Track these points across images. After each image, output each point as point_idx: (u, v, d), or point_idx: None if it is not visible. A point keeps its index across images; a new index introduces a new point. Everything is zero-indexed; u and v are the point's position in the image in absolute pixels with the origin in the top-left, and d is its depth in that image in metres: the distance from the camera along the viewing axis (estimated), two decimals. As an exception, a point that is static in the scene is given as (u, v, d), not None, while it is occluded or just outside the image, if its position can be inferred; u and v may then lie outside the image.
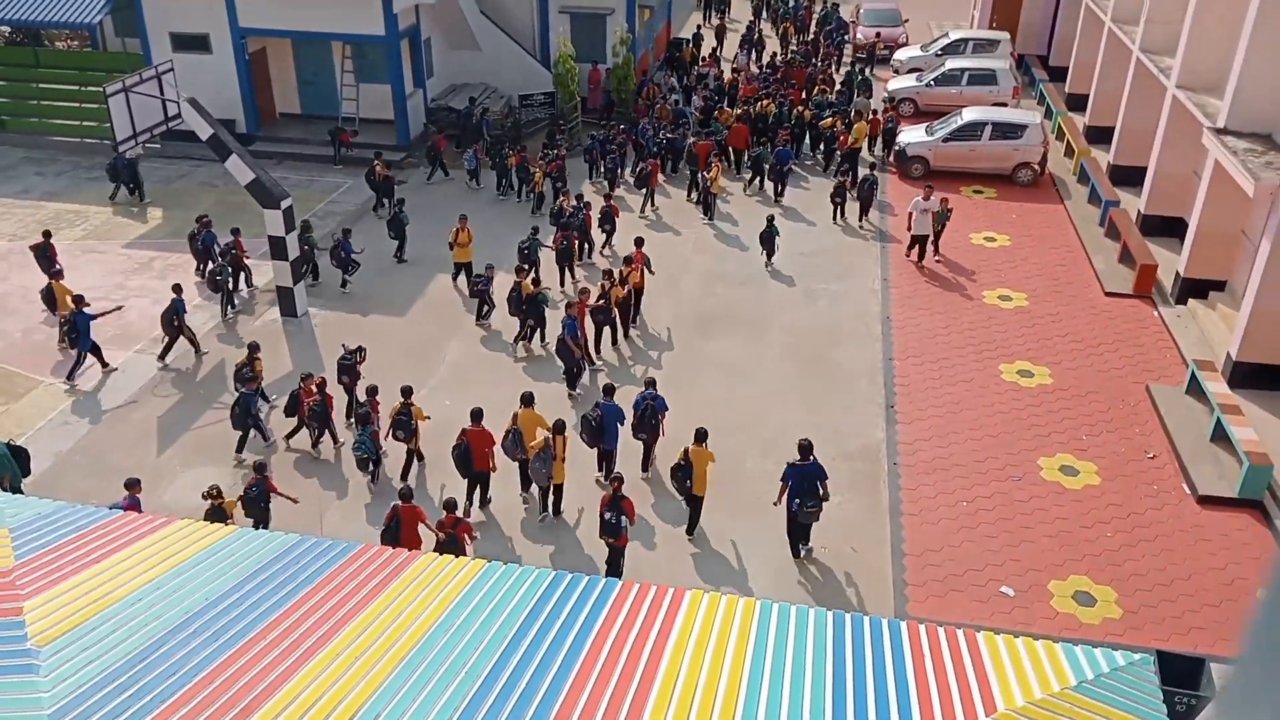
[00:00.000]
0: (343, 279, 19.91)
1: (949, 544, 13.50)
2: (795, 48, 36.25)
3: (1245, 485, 14.11)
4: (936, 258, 21.27)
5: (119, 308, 18.25)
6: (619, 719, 5.83)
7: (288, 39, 27.57)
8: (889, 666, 6.42)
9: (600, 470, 14.70)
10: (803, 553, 13.33)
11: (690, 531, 13.74)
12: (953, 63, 30.42)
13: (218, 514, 12.13)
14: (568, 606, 6.85)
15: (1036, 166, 25.30)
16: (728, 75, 31.78)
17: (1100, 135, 26.93)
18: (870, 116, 27.23)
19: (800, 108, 27.44)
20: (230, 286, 19.13)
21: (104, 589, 6.77)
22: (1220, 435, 15.10)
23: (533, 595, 6.94)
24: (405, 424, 14.25)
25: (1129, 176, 24.22)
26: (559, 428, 13.46)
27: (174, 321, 17.29)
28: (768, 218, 20.89)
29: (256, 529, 10.39)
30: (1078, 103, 29.57)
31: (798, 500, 12.76)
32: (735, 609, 6.91)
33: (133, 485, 12.57)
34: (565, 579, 7.17)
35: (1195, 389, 16.28)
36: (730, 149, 25.87)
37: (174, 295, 17.42)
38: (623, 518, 12.28)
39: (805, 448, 12.92)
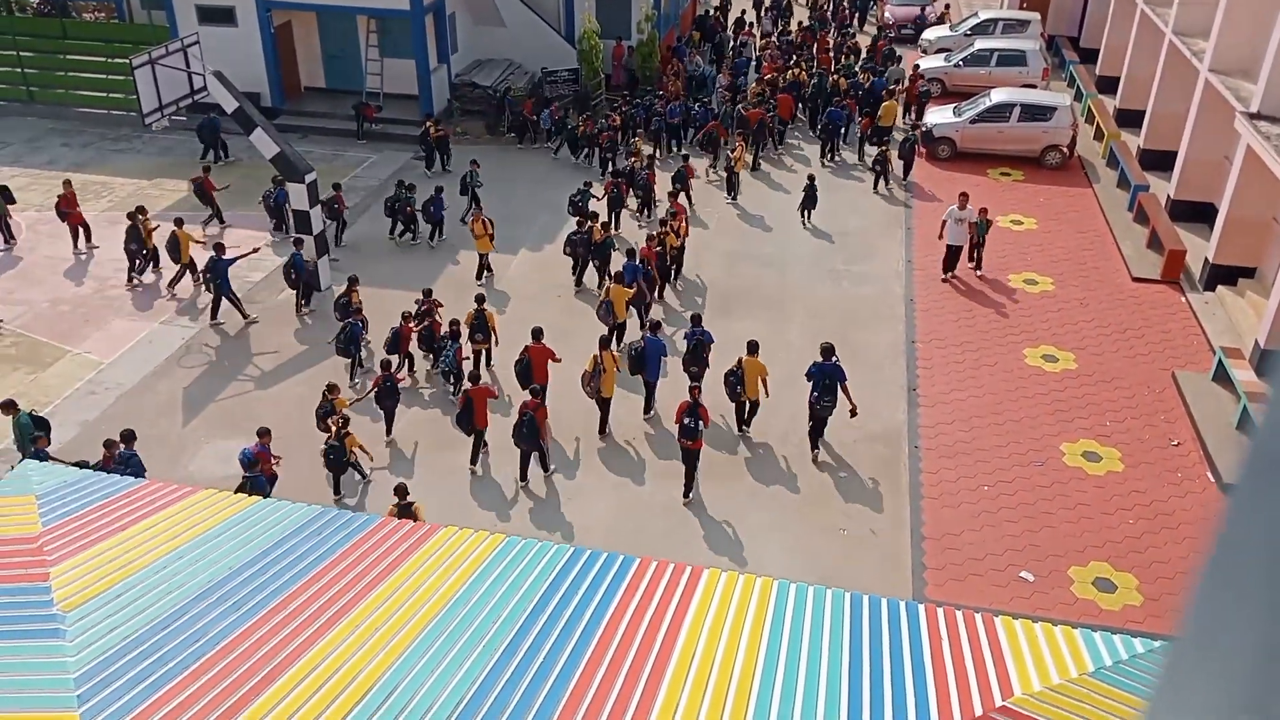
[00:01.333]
0: (433, 233, 20.66)
1: (969, 528, 13.46)
2: (813, 16, 36.22)
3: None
4: (979, 272, 19.66)
5: (255, 250, 18.83)
6: (635, 694, 5.86)
7: (313, 12, 27.57)
8: (906, 649, 6.42)
9: (645, 405, 15.70)
10: (818, 454, 14.85)
11: (741, 427, 15.32)
12: (982, 43, 30.05)
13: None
14: (586, 581, 6.88)
15: (1065, 149, 24.99)
16: (758, 44, 31.96)
17: (1131, 119, 26.56)
18: (903, 88, 27.64)
19: (834, 76, 27.78)
20: (331, 236, 20.15)
21: (129, 556, 6.86)
22: (1247, 423, 14.95)
23: (551, 570, 6.97)
24: (482, 325, 15.93)
25: (1159, 161, 23.89)
26: (605, 343, 15.09)
27: (212, 282, 17.77)
28: (809, 176, 22.08)
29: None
30: (1108, 85, 29.15)
31: (816, 394, 14.41)
32: (753, 588, 6.92)
33: (264, 434, 13.39)
34: (584, 554, 7.20)
35: (1222, 376, 16.12)
36: (776, 120, 25.88)
37: (214, 254, 17.71)
38: (699, 422, 13.51)
39: (827, 350, 14.54)
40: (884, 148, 23.96)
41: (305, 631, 6.20)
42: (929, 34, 33.77)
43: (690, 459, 13.85)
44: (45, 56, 28.80)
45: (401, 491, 12.30)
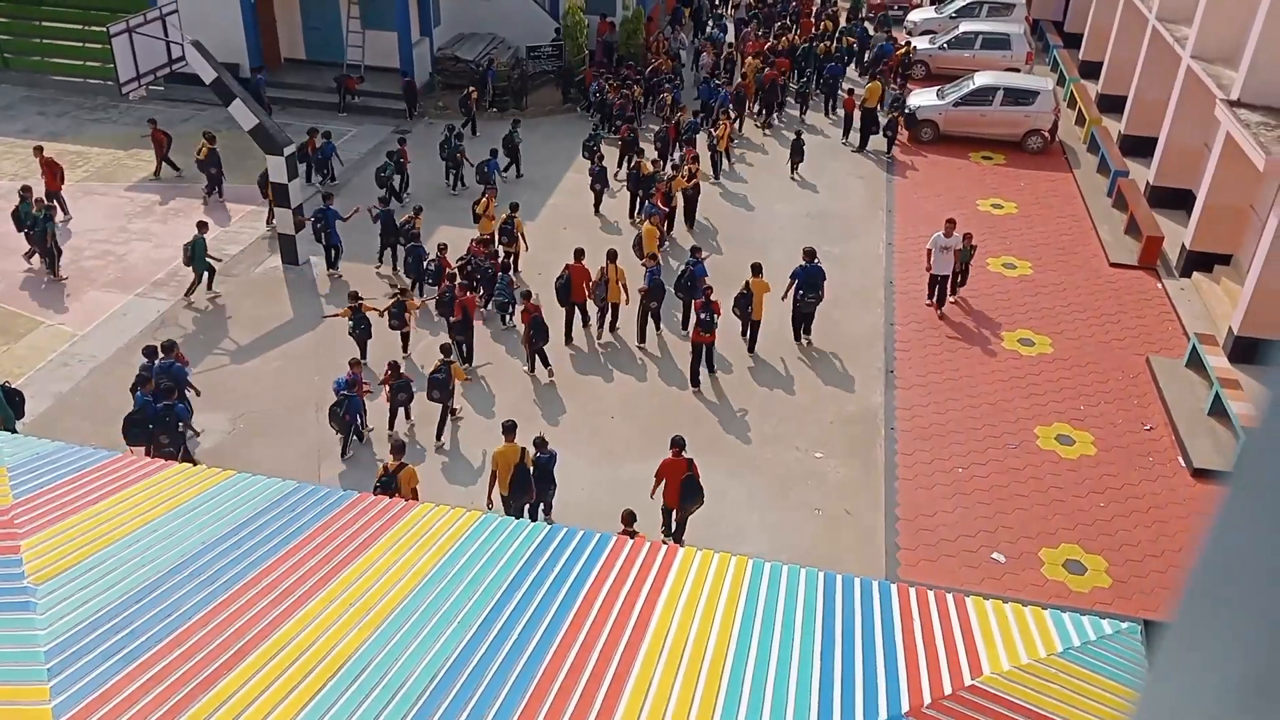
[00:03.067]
0: (485, 190, 20.37)
1: (942, 509, 13.58)
2: None
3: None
4: (952, 299, 18.35)
5: (357, 210, 18.92)
6: (609, 672, 5.90)
7: (294, -18, 27.22)
8: (878, 628, 6.48)
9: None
10: (804, 341, 17.13)
11: (751, 350, 16.79)
12: (966, 26, 30.07)
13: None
14: (562, 559, 6.90)
15: (1047, 134, 25.08)
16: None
17: (1112, 104, 26.65)
18: (888, 58, 28.75)
19: (820, 44, 29.02)
20: (396, 187, 20.81)
21: (101, 530, 6.82)
22: (1218, 409, 15.13)
23: (527, 548, 6.99)
24: (509, 230, 18.08)
25: (1139, 147, 24.00)
26: (611, 256, 16.70)
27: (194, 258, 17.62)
28: (796, 131, 23.60)
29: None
30: (1091, 70, 29.22)
31: (801, 293, 16.60)
32: (727, 566, 6.96)
33: (355, 364, 14.37)
34: (560, 532, 7.22)
35: (1195, 362, 16.28)
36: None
37: (197, 233, 17.56)
38: (714, 315, 15.49)
39: (809, 252, 16.82)
40: (896, 114, 25.00)
41: (279, 607, 6.20)
42: (914, 16, 33.78)
43: (704, 352, 15.89)
44: (21, 23, 28.34)
45: (398, 451, 12.30)
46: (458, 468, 14.33)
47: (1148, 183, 22.37)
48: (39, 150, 20.60)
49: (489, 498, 12.86)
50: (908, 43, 29.97)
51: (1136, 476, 14.29)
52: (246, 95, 18.59)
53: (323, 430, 14.83)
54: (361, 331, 15.60)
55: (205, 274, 17.78)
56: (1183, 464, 14.57)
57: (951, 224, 17.70)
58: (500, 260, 17.64)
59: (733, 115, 24.74)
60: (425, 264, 17.26)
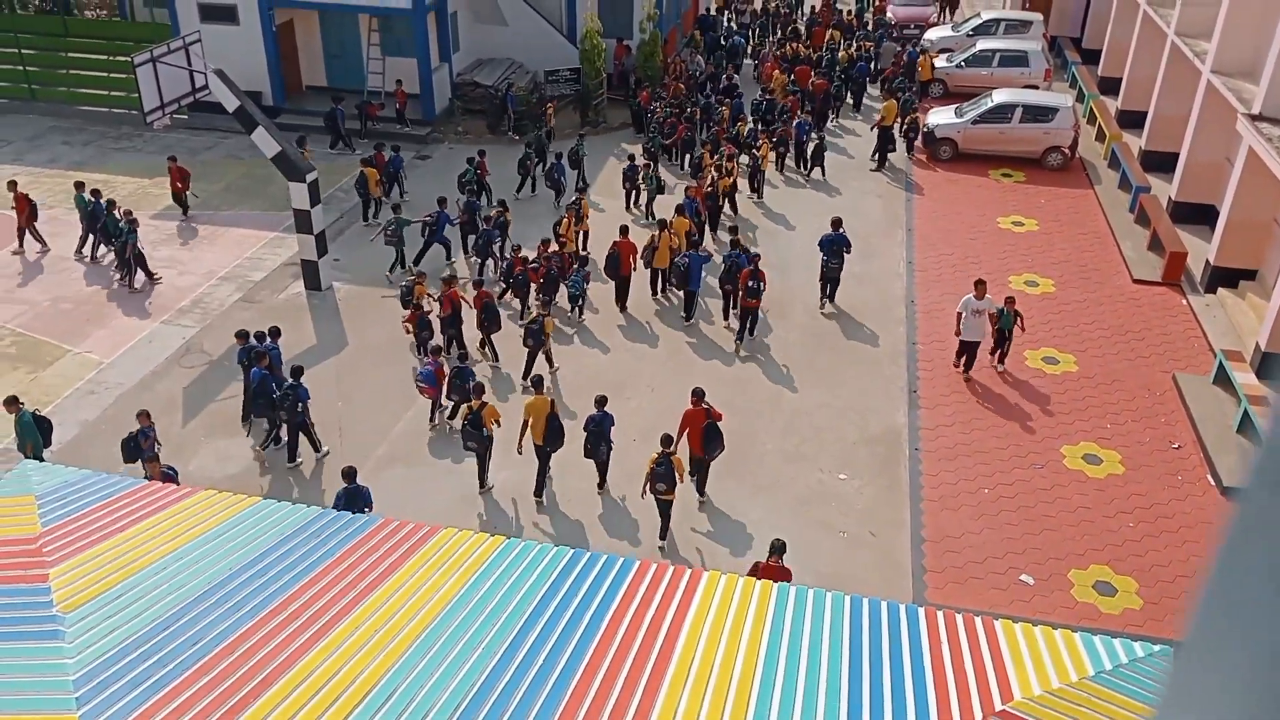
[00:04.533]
0: (556, 197, 22.45)
1: (969, 531, 13.45)
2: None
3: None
4: (1000, 368, 16.84)
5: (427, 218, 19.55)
6: (634, 698, 5.86)
7: (314, 11, 27.57)
8: (906, 652, 6.41)
9: (685, 313, 18.34)
10: (827, 306, 18.64)
11: (744, 337, 17.45)
12: (984, 43, 30.03)
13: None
14: (585, 584, 6.88)
15: (1067, 150, 24.98)
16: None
17: (1133, 120, 26.54)
18: (892, 59, 30.14)
19: (847, 50, 30.72)
20: (478, 199, 21.09)
21: (128, 557, 6.86)
22: (1247, 426, 14.94)
23: (551, 572, 6.97)
24: (577, 207, 19.62)
25: (1161, 162, 23.88)
26: (662, 225, 18.47)
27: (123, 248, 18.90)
28: (819, 137, 24.76)
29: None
30: (1110, 86, 29.13)
31: (825, 259, 18.09)
32: (752, 590, 6.91)
33: (436, 351, 15.19)
34: (584, 557, 7.20)
35: (1223, 379, 16.11)
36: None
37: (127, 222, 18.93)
38: (761, 283, 16.71)
39: (836, 222, 18.30)
40: (913, 114, 25.76)
41: (304, 634, 6.20)
42: (931, 34, 33.76)
43: (750, 316, 17.22)
44: (47, 54, 28.81)
45: (478, 392, 13.64)
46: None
47: (1170, 198, 22.22)
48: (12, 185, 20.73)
49: (519, 444, 13.82)
50: (924, 51, 30.76)
51: (1166, 495, 14.12)
52: (269, 122, 18.79)
53: (345, 454, 14.88)
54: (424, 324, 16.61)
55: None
56: (1212, 482, 14.39)
57: (982, 285, 16.30)
58: (570, 255, 18.49)
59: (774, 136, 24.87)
60: (496, 250, 19.18)
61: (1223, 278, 19.14)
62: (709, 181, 21.22)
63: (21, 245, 20.65)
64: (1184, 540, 13.30)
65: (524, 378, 15.88)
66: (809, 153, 24.52)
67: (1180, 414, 15.87)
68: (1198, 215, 21.52)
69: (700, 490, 13.96)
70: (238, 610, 6.37)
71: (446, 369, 15.06)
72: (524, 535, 13.48)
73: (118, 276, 19.56)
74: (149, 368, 16.96)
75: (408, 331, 16.66)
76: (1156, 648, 6.78)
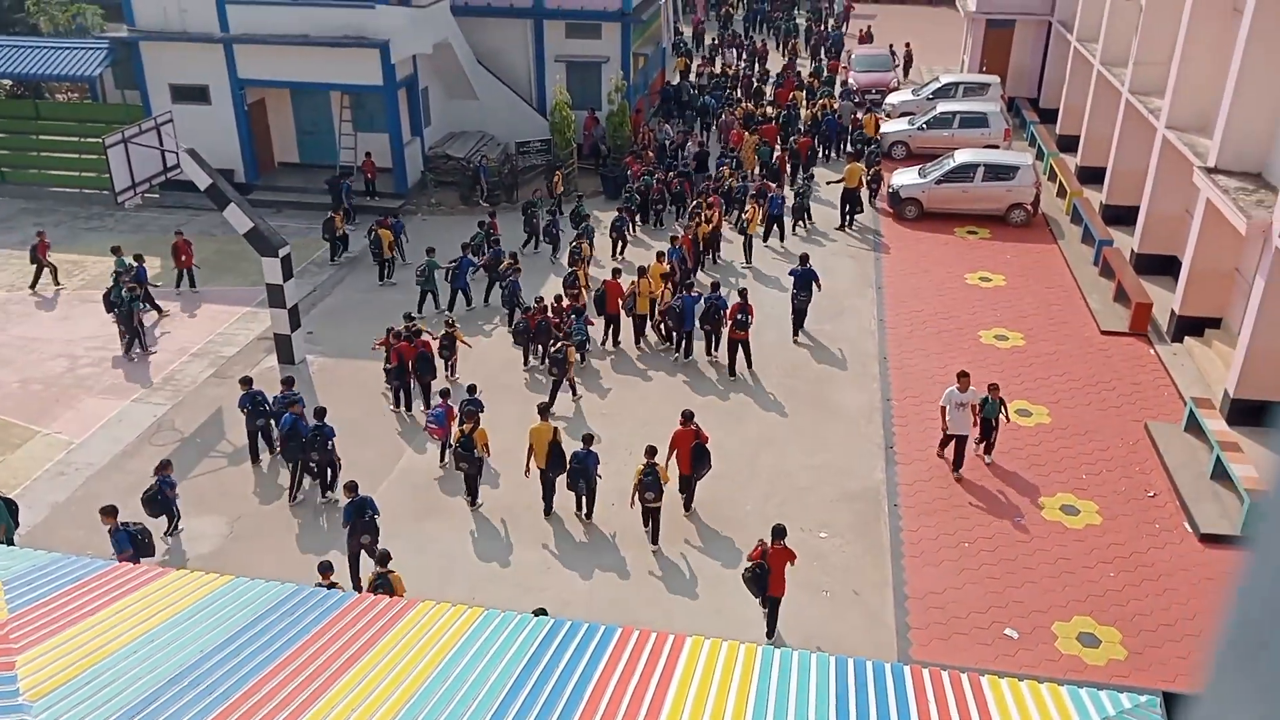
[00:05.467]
0: (553, 253, 23.45)
1: (951, 586, 13.40)
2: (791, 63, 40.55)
3: (1247, 523, 14.04)
4: (987, 460, 16.03)
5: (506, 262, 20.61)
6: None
7: (286, 89, 27.89)
8: (893, 713, 6.34)
9: (679, 350, 19.34)
10: (799, 337, 19.88)
11: (735, 370, 18.57)
12: (944, 106, 30.75)
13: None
14: (567, 654, 6.78)
15: (1030, 207, 25.49)
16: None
17: (1092, 175, 27.17)
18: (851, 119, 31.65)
19: (811, 106, 32.72)
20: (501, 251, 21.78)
21: (99, 642, 6.70)
22: (1220, 473, 15.06)
23: (531, 643, 6.87)
24: (576, 256, 20.96)
25: (1122, 216, 24.40)
26: (640, 272, 19.52)
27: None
28: (797, 192, 25.62)
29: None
30: (1069, 144, 29.86)
31: (795, 290, 19.49)
32: (736, 655, 6.84)
33: (445, 395, 15.92)
34: (564, 626, 7.10)
35: (1194, 426, 16.27)
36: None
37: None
38: (749, 317, 18.08)
39: (804, 258, 19.79)
40: (877, 167, 27.18)
41: (282, 714, 6.06)
42: (892, 98, 34.54)
43: (742, 346, 18.30)
44: (18, 137, 28.88)
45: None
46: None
47: (1132, 250, 22.66)
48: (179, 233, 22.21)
49: (526, 467, 14.78)
50: (869, 110, 32.87)
51: (1144, 544, 14.15)
52: (241, 199, 18.87)
53: (320, 529, 14.69)
54: (440, 354, 17.92)
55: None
56: (1189, 529, 14.45)
57: (965, 378, 15.46)
58: (569, 306, 19.26)
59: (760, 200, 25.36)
60: (518, 301, 20.08)
61: (1189, 327, 19.45)
62: (695, 226, 22.68)
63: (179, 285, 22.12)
64: (1165, 588, 13.30)
65: (549, 404, 16.38)
66: (787, 221, 24.89)
67: (1154, 462, 15.99)
68: (1161, 266, 21.93)
69: (687, 506, 14.91)
70: (210, 693, 6.22)
71: (456, 411, 15.59)
72: (515, 554, 14.06)
73: (123, 346, 19.68)
74: (119, 447, 16.75)
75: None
76: (1143, 698, 6.74)
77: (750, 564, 12.36)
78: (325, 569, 11.96)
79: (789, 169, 28.57)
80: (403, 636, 6.91)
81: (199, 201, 22.09)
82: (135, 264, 20.80)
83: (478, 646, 6.81)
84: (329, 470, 15.18)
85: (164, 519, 14.22)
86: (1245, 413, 16.45)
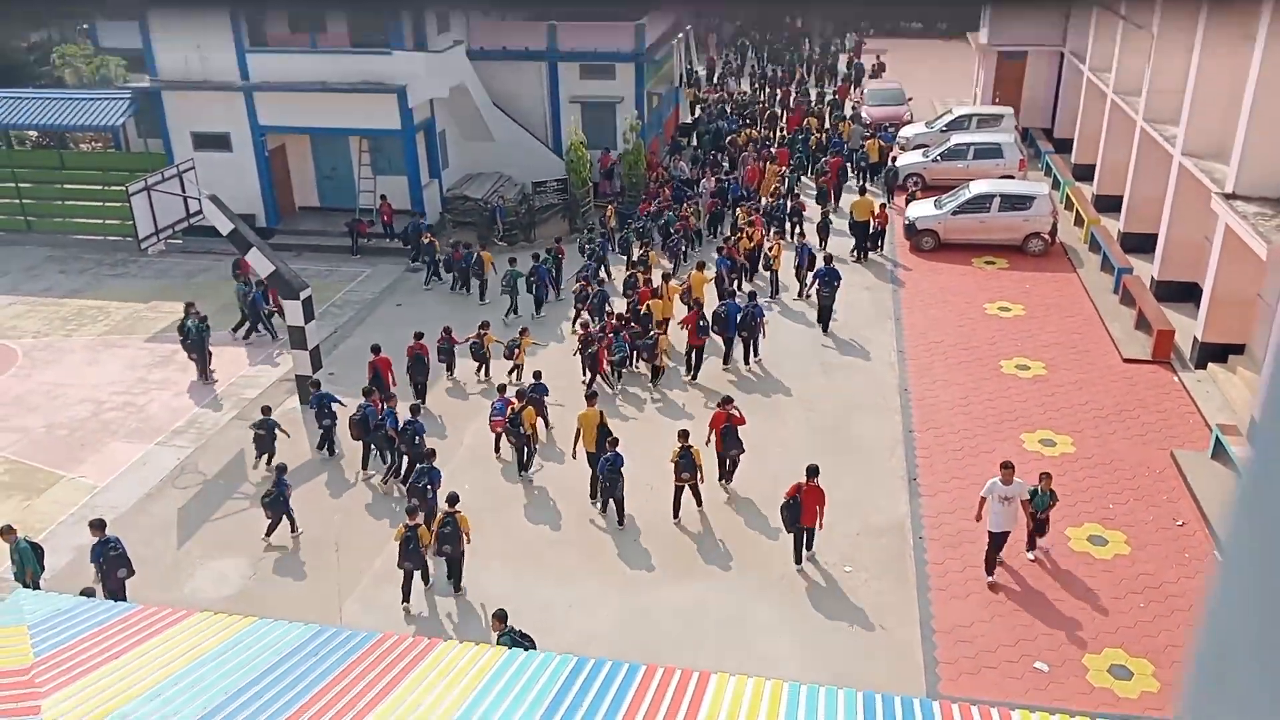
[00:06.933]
0: (555, 292, 23.52)
1: (979, 619, 13.22)
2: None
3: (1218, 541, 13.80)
4: (1031, 556, 14.26)
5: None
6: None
7: (306, 135, 28.30)
8: (923, 748, 6.24)
9: (724, 356, 20.40)
10: (827, 332, 21.53)
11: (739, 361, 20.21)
12: (958, 138, 30.85)
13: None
14: (591, 693, 6.72)
15: (1047, 236, 25.43)
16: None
17: (1109, 204, 27.11)
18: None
19: (815, 134, 33.81)
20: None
21: (122, 685, 6.70)
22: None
23: (554, 683, 6.82)
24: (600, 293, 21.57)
25: (1140, 244, 24.30)
26: (665, 277, 21.90)
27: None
28: (823, 212, 26.40)
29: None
30: (1084, 173, 29.85)
31: (820, 289, 21.25)
32: (763, 691, 6.76)
33: (502, 389, 17.46)
34: (588, 665, 7.05)
35: (1221, 454, 16.08)
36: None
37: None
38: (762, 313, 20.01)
39: (828, 258, 21.98)
40: (892, 163, 29.87)
41: (304, 757, 6.03)
42: (906, 131, 34.69)
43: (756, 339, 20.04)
44: (43, 187, 29.38)
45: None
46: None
47: (1152, 278, 22.54)
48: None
49: (574, 450, 16.08)
50: (872, 135, 33.98)
51: (1174, 574, 13.94)
52: (262, 243, 19.10)
53: (342, 569, 14.68)
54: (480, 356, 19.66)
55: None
56: (1219, 558, 14.20)
57: (1010, 470, 13.49)
58: (613, 323, 20.26)
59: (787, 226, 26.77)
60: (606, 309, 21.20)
61: (1212, 353, 19.28)
62: (738, 241, 23.85)
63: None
64: (1196, 619, 13.05)
65: (652, 381, 19.25)
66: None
67: (1181, 491, 15.79)
68: (1181, 293, 21.80)
69: (728, 479, 16.22)
70: (235, 735, 6.20)
71: (516, 403, 16.79)
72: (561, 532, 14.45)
73: (197, 370, 20.46)
74: (143, 490, 16.83)
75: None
76: (1178, 732, 6.61)
77: (786, 499, 14.01)
78: (412, 511, 13.73)
79: (834, 187, 29.32)
80: (425, 676, 6.87)
81: (221, 246, 22.36)
82: (255, 287, 21.64)
83: (501, 685, 6.76)
84: (404, 461, 16.32)
85: (285, 521, 15.22)
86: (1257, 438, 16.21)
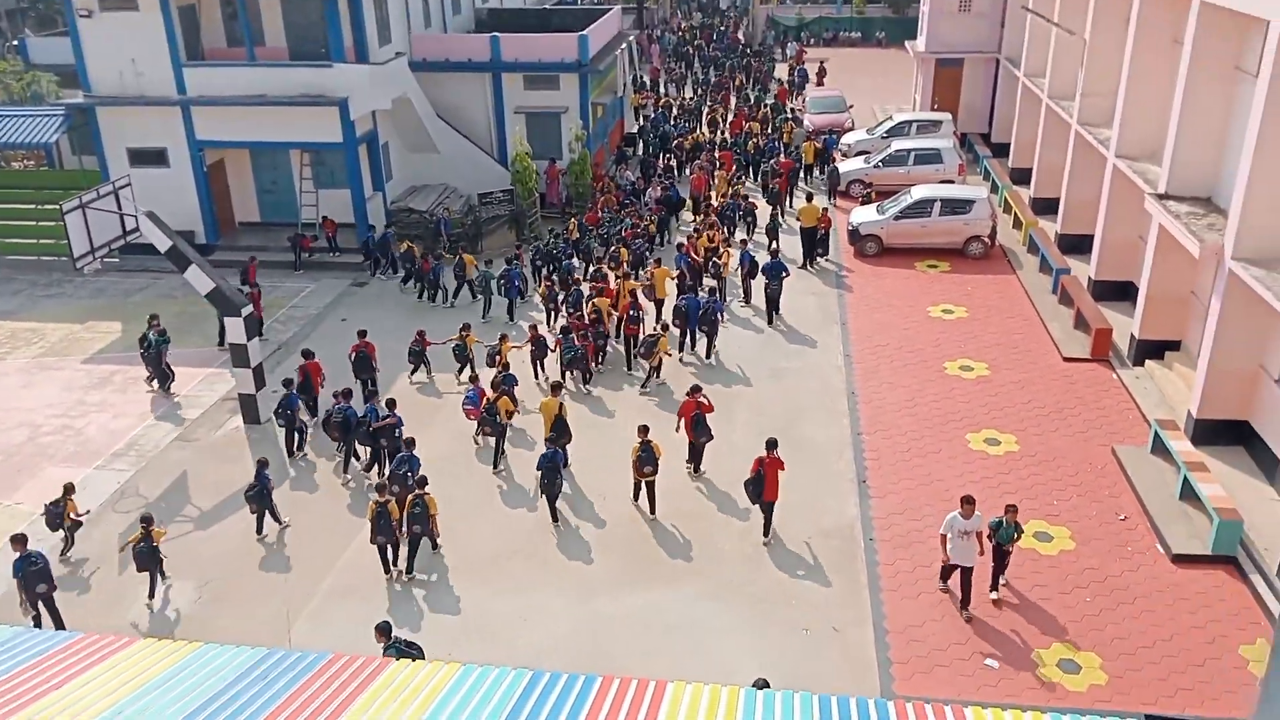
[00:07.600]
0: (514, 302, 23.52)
1: (930, 618, 13.38)
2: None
3: (1217, 542, 14.17)
4: (993, 595, 13.74)
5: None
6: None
7: (246, 149, 27.88)
8: (878, 749, 6.28)
9: (680, 344, 21.11)
10: (775, 321, 22.46)
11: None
12: (899, 144, 31.29)
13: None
14: (547, 707, 6.67)
15: (987, 239, 25.89)
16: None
17: (1046, 206, 27.69)
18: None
19: (755, 138, 34.25)
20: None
21: (65, 716, 6.51)
22: (1189, 493, 15.22)
23: (510, 698, 6.75)
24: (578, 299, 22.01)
25: (1077, 244, 24.85)
26: (623, 276, 22.26)
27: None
28: (772, 215, 26.53)
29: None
30: (1022, 176, 30.45)
31: (767, 281, 22.15)
32: (719, 699, 6.76)
33: (474, 378, 19.10)
34: (543, 679, 7.00)
35: (1160, 448, 16.45)
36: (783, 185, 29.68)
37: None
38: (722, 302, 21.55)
39: (774, 251, 23.07)
40: (832, 163, 30.81)
41: (254, 783, 5.90)
42: (848, 138, 35.10)
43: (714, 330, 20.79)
44: (-27, 207, 28.53)
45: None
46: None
47: (1089, 278, 23.05)
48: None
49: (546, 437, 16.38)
50: (808, 136, 34.93)
51: (1118, 568, 14.23)
52: (202, 261, 18.76)
53: (291, 589, 14.43)
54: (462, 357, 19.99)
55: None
56: (1161, 551, 14.55)
57: (970, 504, 13.36)
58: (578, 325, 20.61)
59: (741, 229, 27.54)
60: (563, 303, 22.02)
61: (1149, 350, 19.75)
62: (696, 239, 24.68)
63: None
64: (1141, 610, 13.35)
65: (645, 384, 19.81)
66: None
67: (1123, 485, 16.13)
68: (1118, 292, 22.32)
69: (695, 469, 16.90)
70: (182, 764, 6.05)
71: (489, 392, 17.61)
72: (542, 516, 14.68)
73: (154, 384, 20.51)
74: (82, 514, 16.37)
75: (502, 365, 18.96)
76: (1125, 722, 6.73)
77: (751, 474, 14.73)
78: (381, 488, 14.37)
79: (786, 189, 29.74)
80: (378, 697, 6.77)
81: (159, 264, 21.96)
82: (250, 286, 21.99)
83: (456, 701, 6.69)
84: (385, 457, 16.82)
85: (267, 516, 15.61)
86: (1209, 433, 16.67)
